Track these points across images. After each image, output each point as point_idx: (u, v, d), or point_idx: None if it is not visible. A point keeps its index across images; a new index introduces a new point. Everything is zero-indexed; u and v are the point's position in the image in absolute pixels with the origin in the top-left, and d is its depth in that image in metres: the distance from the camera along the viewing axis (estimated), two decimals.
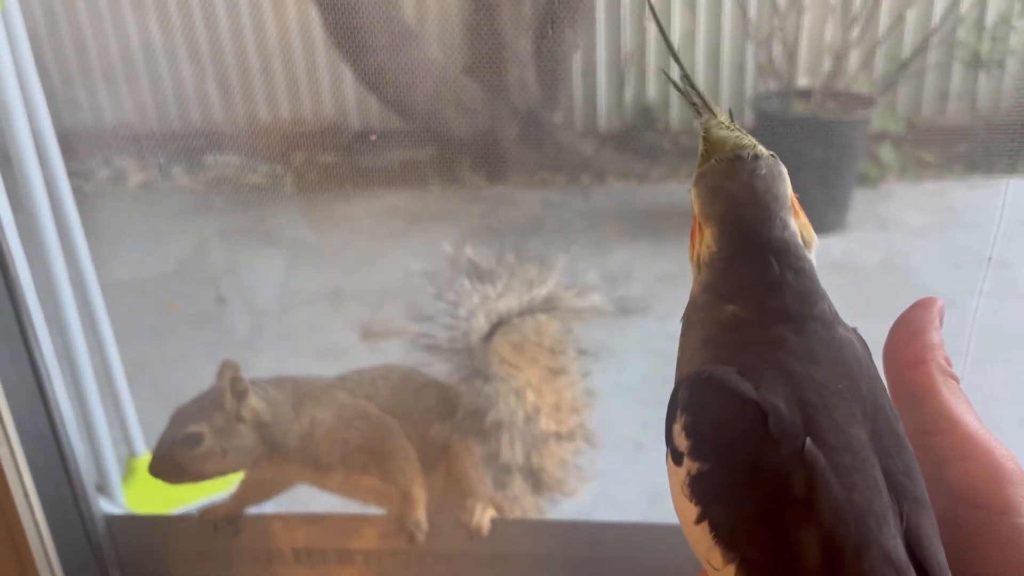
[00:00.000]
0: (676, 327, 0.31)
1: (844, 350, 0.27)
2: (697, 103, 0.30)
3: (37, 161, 0.67)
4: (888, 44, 2.01)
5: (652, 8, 0.40)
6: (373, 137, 1.96)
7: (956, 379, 0.29)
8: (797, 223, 0.29)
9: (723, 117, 0.30)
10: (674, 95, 2.33)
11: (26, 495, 0.52)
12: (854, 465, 0.24)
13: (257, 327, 1.67)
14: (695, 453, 0.25)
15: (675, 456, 0.26)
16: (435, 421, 0.87)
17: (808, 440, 0.24)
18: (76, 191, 2.33)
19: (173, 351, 1.62)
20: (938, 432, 0.28)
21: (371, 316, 1.67)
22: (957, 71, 2.23)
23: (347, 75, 2.33)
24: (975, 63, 2.23)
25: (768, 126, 1.86)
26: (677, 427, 0.26)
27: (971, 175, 2.04)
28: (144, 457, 0.98)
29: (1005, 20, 2.13)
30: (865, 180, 1.97)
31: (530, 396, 0.87)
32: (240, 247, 1.89)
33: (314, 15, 2.16)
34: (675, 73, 0.32)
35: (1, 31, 0.71)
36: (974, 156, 2.04)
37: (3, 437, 0.50)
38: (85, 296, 0.91)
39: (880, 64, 2.01)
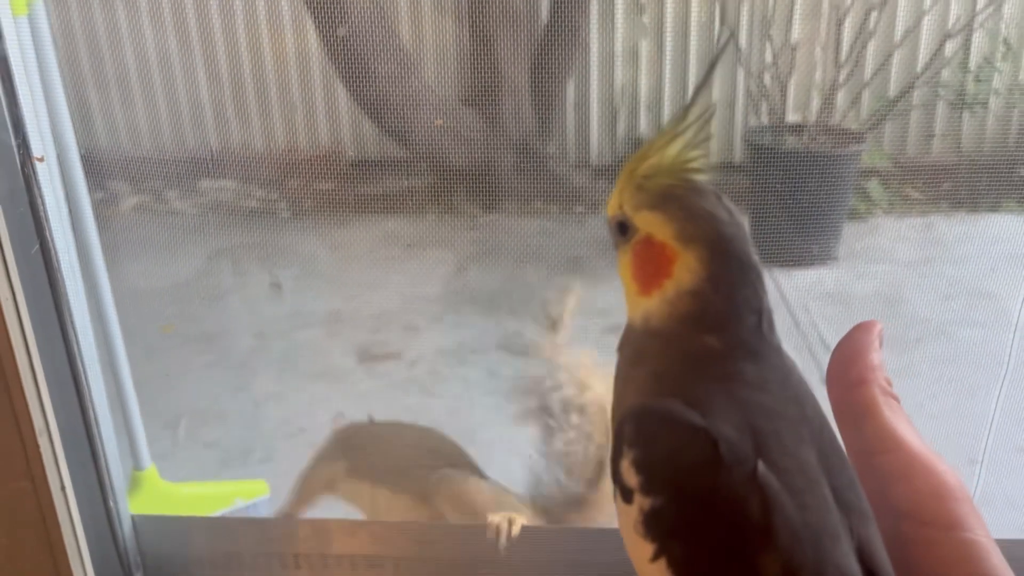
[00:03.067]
0: None
1: (791, 376, 0.27)
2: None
3: (60, 176, 0.68)
4: (876, 83, 2.06)
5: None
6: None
7: (897, 399, 0.29)
8: None
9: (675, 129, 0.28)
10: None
11: (63, 488, 0.52)
12: (806, 486, 0.24)
13: (256, 349, 1.68)
14: (647, 488, 0.25)
15: (624, 494, 0.25)
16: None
17: (760, 463, 0.24)
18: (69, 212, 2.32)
19: (172, 371, 1.62)
20: (882, 452, 0.28)
21: (369, 339, 1.68)
22: (942, 111, 2.28)
23: (342, 103, 2.35)
24: (959, 103, 2.29)
25: (761, 159, 1.90)
26: (625, 463, 0.25)
27: (956, 211, 2.08)
28: (149, 470, 0.98)
29: (989, 61, 2.19)
30: (854, 214, 2.01)
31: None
32: (237, 270, 1.89)
33: (313, 43, 2.19)
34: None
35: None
36: (959, 193, 2.08)
37: (44, 428, 0.50)
38: (99, 308, 0.92)
39: (868, 102, 2.06)
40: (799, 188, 1.83)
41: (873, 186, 2.12)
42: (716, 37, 2.15)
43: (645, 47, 2.27)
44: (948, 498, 0.27)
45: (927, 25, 2.05)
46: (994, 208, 2.13)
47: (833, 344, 0.31)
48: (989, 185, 2.04)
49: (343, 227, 2.12)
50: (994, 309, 1.70)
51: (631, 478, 0.25)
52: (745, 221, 0.27)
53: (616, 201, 0.29)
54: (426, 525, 0.63)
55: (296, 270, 1.97)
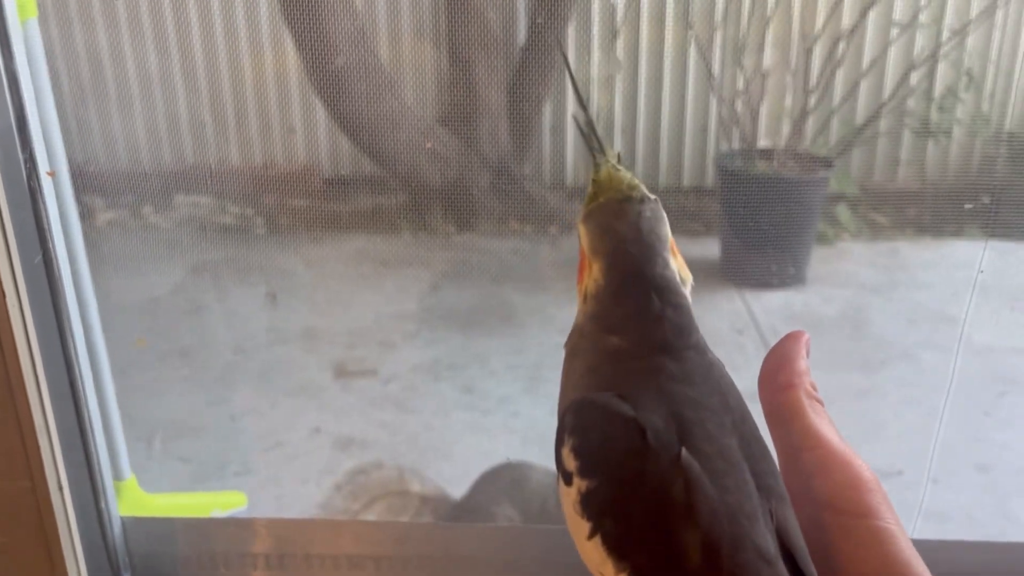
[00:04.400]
0: None
1: (714, 370, 0.30)
2: (594, 145, 0.33)
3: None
4: (844, 111, 2.11)
5: (568, 65, 0.45)
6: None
7: (821, 402, 0.32)
8: (676, 263, 0.32)
9: (613, 158, 0.33)
10: (638, 153, 2.40)
11: (60, 488, 0.53)
12: (726, 470, 0.27)
13: (233, 364, 1.68)
14: (583, 472, 0.27)
15: (565, 477, 0.28)
16: None
17: (684, 449, 0.27)
18: None
19: (147, 386, 1.62)
20: (806, 448, 0.31)
21: (345, 355, 1.69)
22: (908, 139, 2.35)
23: (320, 120, 2.37)
24: (924, 131, 2.35)
25: (731, 184, 1.94)
26: (565, 450, 0.29)
27: (921, 237, 2.13)
28: (129, 480, 0.99)
29: (952, 92, 2.25)
30: (822, 239, 2.05)
31: None
32: (214, 285, 1.90)
33: (291, 59, 2.20)
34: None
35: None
36: (923, 220, 2.13)
37: (44, 428, 0.51)
38: (86, 318, 0.92)
39: (836, 129, 2.11)
40: (769, 212, 1.88)
41: (841, 211, 2.17)
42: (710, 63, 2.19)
43: (619, 77, 2.31)
44: (863, 489, 0.30)
45: (893, 55, 2.11)
46: (957, 234, 2.19)
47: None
48: (952, 213, 2.10)
49: (318, 244, 2.13)
50: (954, 333, 1.74)
51: (570, 463, 0.28)
52: (663, 239, 0.31)
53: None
54: (408, 524, 0.65)
55: (270, 286, 1.97)
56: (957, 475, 1.31)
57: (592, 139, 0.33)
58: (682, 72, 2.21)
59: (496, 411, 1.29)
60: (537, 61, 2.29)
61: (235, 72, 2.34)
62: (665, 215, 0.32)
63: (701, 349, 0.30)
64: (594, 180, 0.33)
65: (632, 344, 0.29)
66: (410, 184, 2.15)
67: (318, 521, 0.60)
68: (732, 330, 1.70)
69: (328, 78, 1.81)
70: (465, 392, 1.56)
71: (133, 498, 0.94)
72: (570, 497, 0.28)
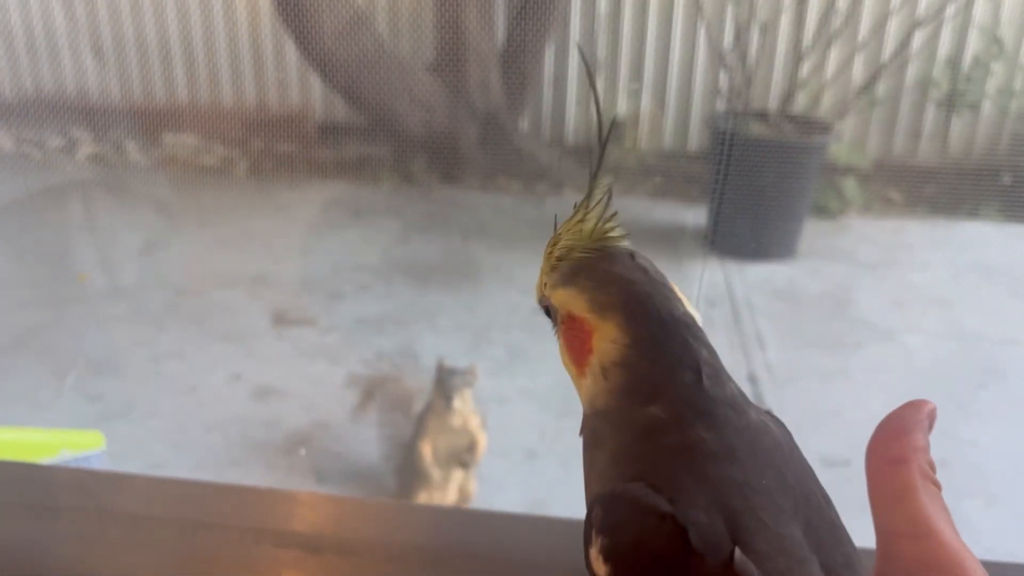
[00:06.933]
0: None
1: (762, 439, 0.25)
2: (595, 173, 0.27)
3: None
4: (842, 75, 1.97)
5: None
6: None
7: (939, 485, 0.26)
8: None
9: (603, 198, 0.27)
10: (643, 113, 2.26)
11: None
12: (790, 568, 0.22)
13: (170, 306, 1.62)
14: None
15: None
16: None
17: (736, 549, 0.22)
18: (25, 158, 2.28)
19: (79, 322, 1.57)
20: (912, 536, 0.25)
21: (289, 304, 1.61)
22: (931, 112, 2.19)
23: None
24: (948, 104, 2.19)
25: (723, 146, 1.81)
26: (594, 551, 0.24)
27: (934, 217, 1.99)
28: None
29: (981, 63, 2.08)
30: (824, 212, 1.92)
31: None
32: (170, 225, 1.84)
33: None
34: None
35: None
36: (939, 199, 1.99)
37: None
38: None
39: (836, 93, 1.97)
40: (762, 178, 1.75)
41: (849, 184, 2.02)
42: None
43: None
44: None
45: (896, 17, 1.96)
46: (972, 215, 2.04)
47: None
48: (970, 192, 1.95)
49: (294, 190, 2.06)
50: (945, 318, 1.61)
51: (600, 568, 0.24)
52: (664, 277, 0.27)
53: (539, 286, 0.28)
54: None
55: (233, 229, 1.91)
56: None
57: (599, 163, 0.27)
58: (692, 19, 2.09)
59: (430, 369, 1.21)
60: (540, 6, 2.18)
61: (228, 6, 2.28)
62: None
63: (740, 407, 0.25)
64: (555, 241, 0.28)
65: (670, 411, 0.25)
66: (390, 131, 2.06)
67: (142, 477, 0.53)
68: (704, 302, 1.58)
69: (294, 7, 1.72)
70: (402, 349, 1.48)
71: None
72: None
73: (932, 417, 0.28)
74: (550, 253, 0.28)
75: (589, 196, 0.27)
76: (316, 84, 2.38)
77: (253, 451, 1.23)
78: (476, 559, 0.50)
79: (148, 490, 0.58)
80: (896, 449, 0.27)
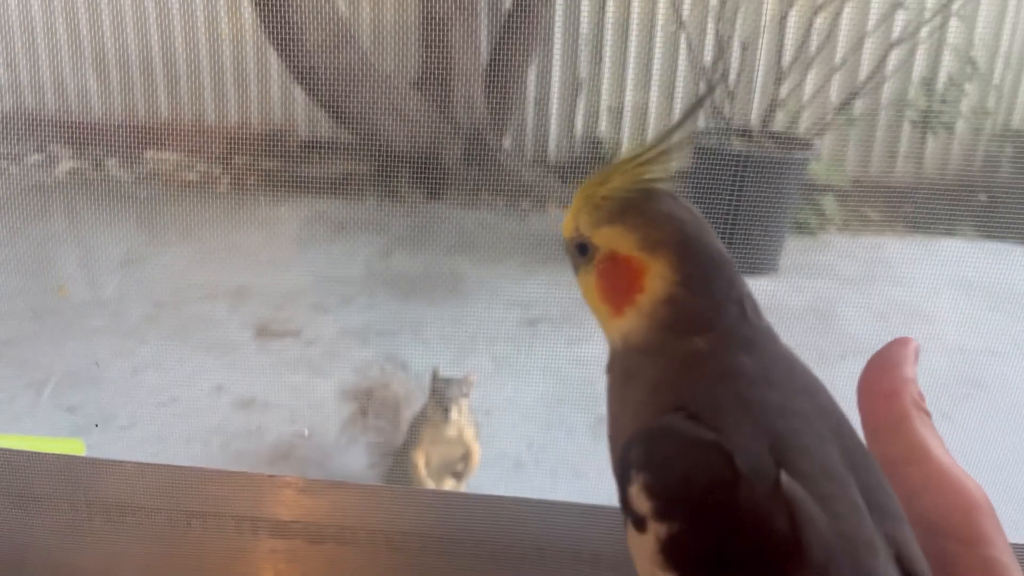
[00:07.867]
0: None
1: (795, 366, 0.26)
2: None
3: None
4: (821, 94, 1.99)
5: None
6: None
7: (928, 414, 0.28)
8: None
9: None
10: (625, 130, 2.28)
11: None
12: (835, 491, 0.22)
13: (150, 318, 1.60)
14: (663, 514, 0.23)
15: (637, 522, 0.23)
16: None
17: (783, 472, 0.22)
18: (1, 173, 2.25)
19: (58, 334, 1.55)
20: (911, 462, 0.27)
21: (271, 316, 1.60)
22: (907, 131, 2.22)
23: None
24: (923, 123, 2.22)
25: (705, 162, 1.82)
26: (635, 489, 0.23)
27: (912, 234, 2.02)
28: None
29: (955, 83, 2.12)
30: (805, 228, 1.94)
31: None
32: (151, 239, 1.82)
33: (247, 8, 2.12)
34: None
35: None
36: (916, 216, 2.01)
37: None
38: None
39: (815, 111, 2.00)
40: (743, 193, 1.76)
41: (828, 202, 2.04)
42: (706, 78, 2.09)
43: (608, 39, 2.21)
44: (976, 513, 0.26)
45: (872, 38, 1.99)
46: (949, 232, 2.06)
47: None
48: (946, 210, 1.97)
49: (277, 205, 2.05)
50: (927, 331, 1.62)
51: (643, 504, 0.23)
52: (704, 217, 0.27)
53: (572, 223, 0.28)
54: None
55: (214, 243, 1.89)
56: None
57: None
58: (672, 47, 2.11)
59: (416, 376, 1.21)
60: (522, 28, 2.19)
61: (211, 24, 2.28)
62: None
63: (774, 335, 0.26)
64: (603, 182, 0.27)
65: (716, 342, 0.25)
66: (374, 147, 2.06)
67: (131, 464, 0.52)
68: None
69: (279, 23, 1.72)
70: (388, 360, 1.47)
71: None
72: (646, 546, 0.23)
73: (917, 352, 0.29)
74: (592, 193, 0.27)
75: (664, 139, 0.27)
76: (299, 101, 2.39)
77: (234, 461, 1.21)
78: (480, 544, 0.49)
79: (135, 477, 0.57)
80: (887, 382, 0.28)
